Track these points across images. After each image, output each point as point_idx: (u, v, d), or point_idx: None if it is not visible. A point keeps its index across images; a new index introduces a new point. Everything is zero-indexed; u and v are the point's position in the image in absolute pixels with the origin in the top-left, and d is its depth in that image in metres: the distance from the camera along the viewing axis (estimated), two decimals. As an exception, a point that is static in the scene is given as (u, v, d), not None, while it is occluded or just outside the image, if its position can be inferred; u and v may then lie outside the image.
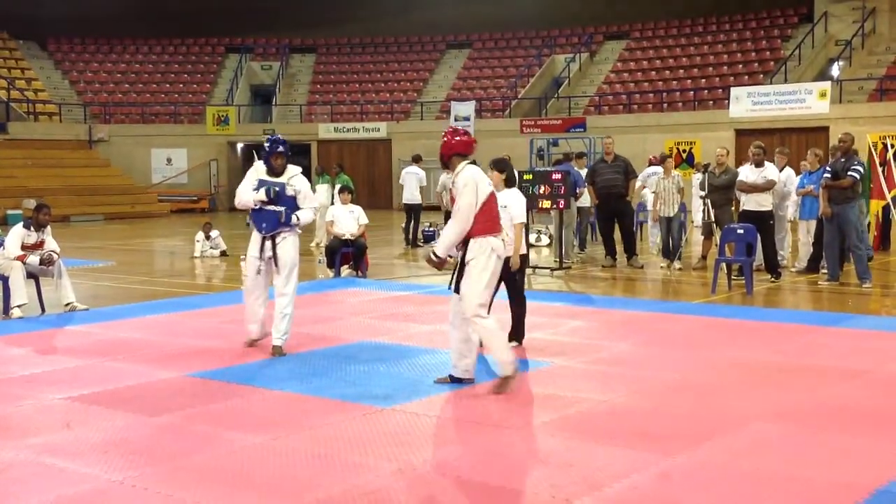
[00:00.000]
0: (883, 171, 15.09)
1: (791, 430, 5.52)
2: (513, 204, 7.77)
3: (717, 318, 9.74)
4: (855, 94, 27.46)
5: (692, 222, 17.28)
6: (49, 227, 10.69)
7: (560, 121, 30.47)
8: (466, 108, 31.07)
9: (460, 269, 6.64)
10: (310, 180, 8.53)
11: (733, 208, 13.20)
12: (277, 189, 7.88)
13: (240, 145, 35.22)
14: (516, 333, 8.13)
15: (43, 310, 10.33)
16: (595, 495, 4.56)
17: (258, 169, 8.11)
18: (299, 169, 8.23)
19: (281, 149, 8.03)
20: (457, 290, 6.65)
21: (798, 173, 13.67)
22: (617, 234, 14.35)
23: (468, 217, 6.51)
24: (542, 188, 13.35)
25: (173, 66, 38.80)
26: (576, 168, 15.75)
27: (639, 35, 35.20)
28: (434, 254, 6.67)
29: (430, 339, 8.50)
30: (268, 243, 7.96)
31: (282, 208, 7.91)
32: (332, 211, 13.87)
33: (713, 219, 13.22)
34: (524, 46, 36.94)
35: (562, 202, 13.29)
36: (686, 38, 34.14)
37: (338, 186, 15.98)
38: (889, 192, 15.02)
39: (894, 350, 8.00)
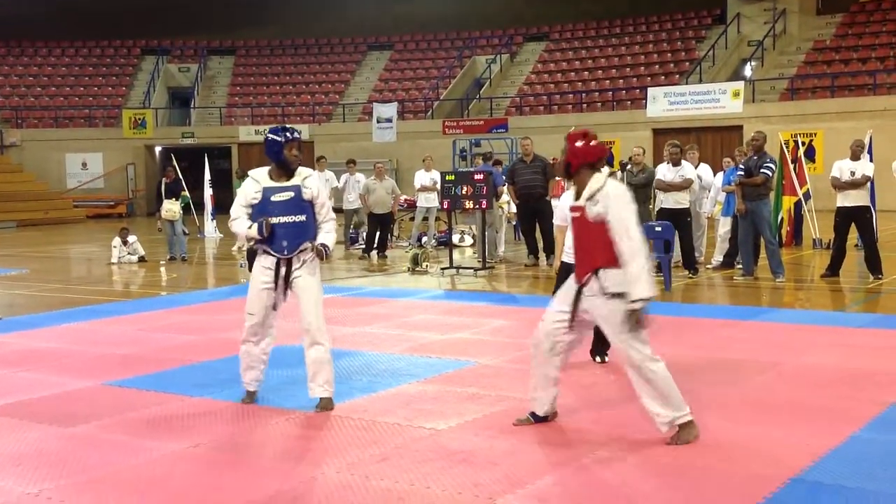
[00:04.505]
0: (794, 169, 15.56)
1: (708, 424, 5.63)
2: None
3: (637, 315, 9.87)
4: (767, 93, 28.21)
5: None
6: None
7: (482, 121, 30.66)
8: (389, 110, 31.08)
9: None
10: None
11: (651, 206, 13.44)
12: (273, 224, 6.13)
13: (158, 149, 34.62)
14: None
15: (-48, 320, 10.02)
16: (518, 493, 4.59)
17: (256, 177, 6.33)
18: (311, 170, 6.56)
19: (297, 135, 6.40)
20: None
21: (718, 170, 13.97)
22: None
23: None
24: (465, 189, 13.44)
25: (87, 68, 37.95)
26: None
27: (558, 36, 35.61)
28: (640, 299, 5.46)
29: (353, 342, 8.45)
30: (283, 269, 6.19)
31: (303, 217, 6.22)
32: (253, 214, 13.72)
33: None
34: (445, 48, 37.06)
35: (484, 202, 13.41)
36: (604, 40, 34.66)
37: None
38: (800, 189, 15.49)
39: (807, 342, 8.23)
